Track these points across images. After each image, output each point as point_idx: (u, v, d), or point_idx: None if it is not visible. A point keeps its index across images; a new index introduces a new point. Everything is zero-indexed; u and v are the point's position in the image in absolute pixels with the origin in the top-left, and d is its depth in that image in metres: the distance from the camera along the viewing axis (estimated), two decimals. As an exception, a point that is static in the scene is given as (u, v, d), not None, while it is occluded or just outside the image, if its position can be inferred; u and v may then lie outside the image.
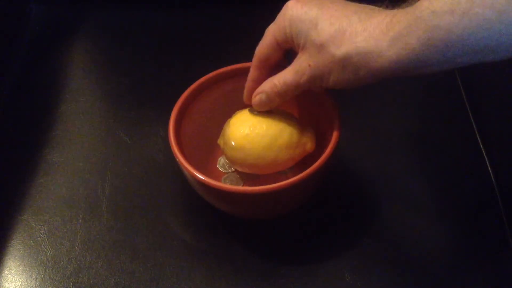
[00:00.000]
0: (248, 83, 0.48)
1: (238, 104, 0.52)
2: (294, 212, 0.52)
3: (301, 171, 0.45)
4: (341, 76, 0.40)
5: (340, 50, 0.38)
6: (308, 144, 0.48)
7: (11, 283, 0.50)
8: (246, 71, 0.53)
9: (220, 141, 0.50)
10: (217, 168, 0.54)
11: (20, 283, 0.49)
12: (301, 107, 0.52)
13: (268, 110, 0.48)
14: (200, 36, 0.68)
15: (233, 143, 0.47)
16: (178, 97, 0.51)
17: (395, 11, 0.37)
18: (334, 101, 0.49)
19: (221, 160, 0.54)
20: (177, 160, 0.47)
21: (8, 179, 0.56)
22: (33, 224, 0.53)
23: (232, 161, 0.49)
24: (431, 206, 0.53)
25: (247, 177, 0.53)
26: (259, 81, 0.47)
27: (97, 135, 0.59)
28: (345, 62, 0.38)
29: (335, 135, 0.46)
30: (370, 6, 0.40)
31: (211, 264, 0.50)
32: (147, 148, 0.58)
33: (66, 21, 0.71)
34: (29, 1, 0.71)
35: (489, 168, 0.55)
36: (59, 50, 0.67)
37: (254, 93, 0.47)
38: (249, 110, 0.49)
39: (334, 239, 0.51)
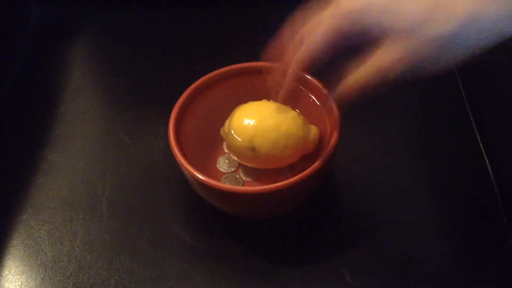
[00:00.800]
0: (285, 91, 0.45)
1: (238, 104, 0.52)
2: (294, 212, 0.52)
3: (301, 171, 0.45)
4: (446, 56, 0.34)
5: (447, 25, 0.33)
6: (311, 135, 0.49)
7: (11, 283, 0.50)
8: (246, 71, 0.53)
9: (223, 131, 0.50)
10: (217, 168, 0.54)
11: (20, 283, 0.50)
12: (301, 107, 0.52)
13: (273, 105, 0.48)
14: (200, 36, 0.68)
15: (237, 133, 0.47)
16: (178, 97, 0.51)
17: None
18: (335, 101, 0.48)
19: (221, 160, 0.54)
20: (177, 160, 0.47)
21: (8, 179, 0.56)
22: (33, 224, 0.53)
23: (234, 152, 0.49)
24: (431, 206, 0.53)
25: (248, 175, 0.53)
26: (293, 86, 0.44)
27: (97, 135, 0.59)
28: (458, 35, 0.33)
29: (335, 135, 0.47)
30: None
31: (211, 264, 0.50)
32: (147, 148, 0.58)
33: (66, 21, 0.71)
34: (29, 1, 0.71)
35: (489, 168, 0.55)
36: (59, 50, 0.67)
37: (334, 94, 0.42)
38: (254, 103, 0.49)
39: (334, 239, 0.51)
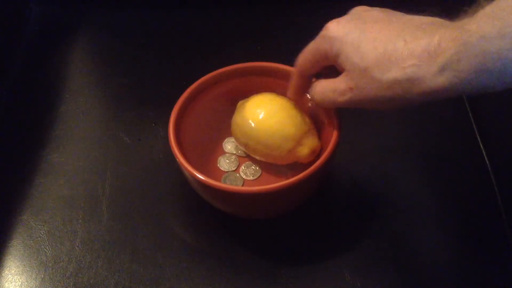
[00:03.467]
0: (292, 88, 0.49)
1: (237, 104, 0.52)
2: (294, 212, 0.52)
3: (301, 171, 0.45)
4: (385, 101, 0.38)
5: (386, 75, 0.37)
6: (305, 147, 0.49)
7: (11, 283, 0.50)
8: (246, 71, 0.53)
9: (234, 121, 0.51)
10: (217, 168, 0.54)
11: (20, 283, 0.49)
12: (301, 107, 0.52)
13: (281, 101, 0.49)
14: (200, 36, 0.68)
15: (250, 122, 0.49)
16: (178, 97, 0.51)
17: (442, 29, 0.35)
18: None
19: (221, 160, 0.54)
20: (177, 160, 0.47)
21: (8, 179, 0.56)
22: (33, 224, 0.53)
23: (241, 141, 0.50)
24: (431, 206, 0.53)
25: (251, 170, 0.53)
26: (300, 88, 0.48)
27: (97, 135, 0.59)
28: (392, 88, 0.37)
29: (335, 135, 0.47)
30: (414, 20, 0.38)
31: (211, 264, 0.50)
32: (147, 148, 0.58)
33: (66, 21, 0.71)
34: (29, 1, 0.71)
35: (489, 168, 0.55)
36: (59, 50, 0.67)
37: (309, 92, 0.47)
38: (264, 95, 0.50)
39: (334, 239, 0.51)
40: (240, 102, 0.51)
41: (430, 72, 0.34)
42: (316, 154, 0.49)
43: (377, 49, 0.37)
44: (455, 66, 0.33)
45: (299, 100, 0.50)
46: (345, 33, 0.40)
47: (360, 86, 0.39)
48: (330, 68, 0.43)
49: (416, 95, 0.36)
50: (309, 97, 0.47)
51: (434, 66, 0.34)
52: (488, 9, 0.32)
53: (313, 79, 0.46)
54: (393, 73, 0.36)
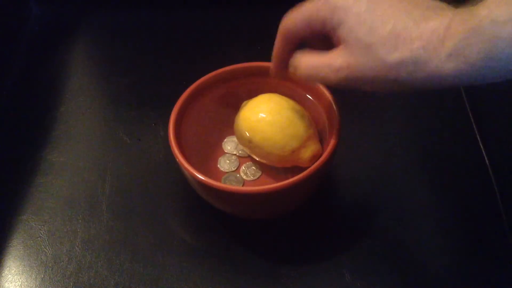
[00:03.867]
0: (273, 59, 0.45)
1: (238, 104, 0.52)
2: (294, 212, 0.52)
3: (301, 171, 0.45)
4: (385, 82, 0.36)
5: (393, 55, 0.34)
6: (306, 153, 0.49)
7: (11, 283, 0.50)
8: (246, 71, 0.53)
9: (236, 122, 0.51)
10: (217, 168, 0.54)
11: (20, 283, 0.49)
12: (301, 106, 0.52)
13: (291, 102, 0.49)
14: (200, 36, 0.68)
15: (260, 114, 0.48)
16: (178, 97, 0.51)
17: (451, 12, 0.33)
18: (334, 100, 0.49)
19: (221, 160, 0.54)
20: (177, 160, 0.47)
21: (8, 179, 0.56)
22: (33, 224, 0.53)
23: (244, 137, 0.50)
24: (431, 206, 0.53)
25: (251, 170, 0.53)
26: (283, 56, 0.43)
27: (97, 135, 0.59)
28: (397, 69, 0.35)
29: (335, 135, 0.47)
30: (424, 1, 0.36)
31: (211, 264, 0.50)
32: (147, 148, 0.58)
33: (66, 21, 0.71)
34: (29, 1, 0.71)
35: (489, 168, 0.55)
36: (59, 50, 0.67)
37: (290, 65, 0.43)
38: (275, 94, 0.50)
39: (334, 239, 0.51)
40: (246, 101, 0.51)
41: (438, 56, 0.33)
42: (316, 159, 0.48)
43: (386, 25, 0.35)
44: (463, 51, 0.32)
45: (281, 75, 0.46)
46: (352, 3, 0.37)
47: (361, 63, 0.36)
48: (315, 38, 0.40)
49: (420, 79, 0.34)
50: (291, 71, 0.42)
51: (442, 50, 0.33)
52: None
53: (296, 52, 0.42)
54: (400, 53, 0.34)
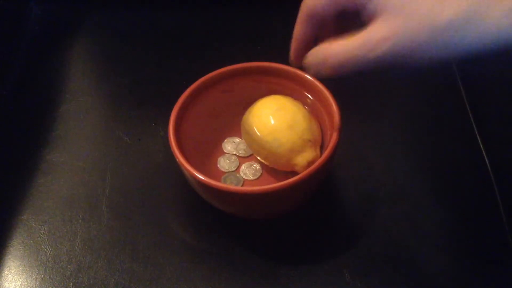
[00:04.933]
0: (294, 44, 0.40)
1: (238, 104, 0.52)
2: (294, 212, 0.52)
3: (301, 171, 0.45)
4: (432, 50, 0.32)
5: (441, 16, 0.31)
6: (302, 158, 0.48)
7: (11, 283, 0.50)
8: (246, 71, 0.53)
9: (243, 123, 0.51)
10: (217, 168, 0.54)
11: (20, 283, 0.49)
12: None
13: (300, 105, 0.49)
14: (200, 36, 0.68)
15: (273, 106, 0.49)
16: (178, 97, 0.51)
17: None
18: (334, 100, 0.49)
19: (222, 160, 0.54)
20: (177, 160, 0.47)
21: (8, 179, 0.56)
22: (33, 224, 0.53)
23: (251, 134, 0.50)
24: (431, 206, 0.53)
25: (251, 170, 0.53)
26: (306, 39, 0.39)
27: (97, 135, 0.59)
28: (446, 30, 0.31)
29: (335, 135, 0.46)
30: None
31: (211, 264, 0.50)
32: (147, 148, 0.58)
33: (66, 21, 0.71)
34: (29, 1, 0.71)
35: (489, 168, 0.55)
36: (59, 50, 0.67)
37: (306, 57, 0.39)
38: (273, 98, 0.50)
39: (334, 239, 0.51)
40: (260, 99, 0.51)
41: (493, 12, 0.30)
42: (311, 164, 0.47)
43: None
44: None
45: (299, 63, 0.41)
46: None
47: (405, 30, 0.32)
48: (334, 24, 0.37)
49: (472, 39, 0.31)
50: (307, 65, 0.38)
51: (499, 6, 0.29)
52: None
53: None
54: (449, 12, 0.31)
